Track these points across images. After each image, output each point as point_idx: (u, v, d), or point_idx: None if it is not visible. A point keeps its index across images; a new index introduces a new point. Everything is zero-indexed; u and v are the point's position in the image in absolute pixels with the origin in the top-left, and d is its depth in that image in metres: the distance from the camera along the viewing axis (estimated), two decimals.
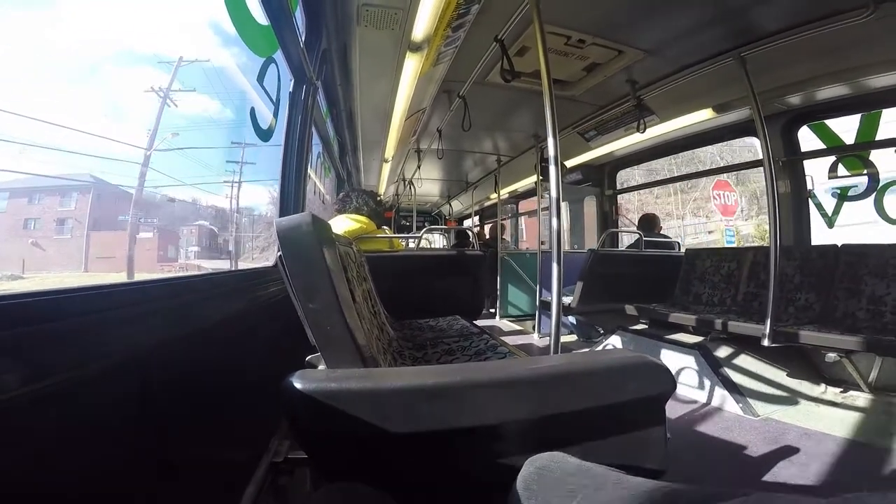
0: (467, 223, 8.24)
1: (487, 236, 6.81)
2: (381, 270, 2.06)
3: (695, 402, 2.29)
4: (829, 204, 2.87)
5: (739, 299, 2.88)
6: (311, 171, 2.29)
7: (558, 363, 0.87)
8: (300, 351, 0.95)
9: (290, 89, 1.80)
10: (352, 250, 1.37)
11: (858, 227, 2.71)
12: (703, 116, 3.11)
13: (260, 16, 1.44)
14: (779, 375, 2.34)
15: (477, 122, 3.08)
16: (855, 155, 2.68)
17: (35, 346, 0.40)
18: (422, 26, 1.95)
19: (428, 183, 6.37)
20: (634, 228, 3.94)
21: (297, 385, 0.63)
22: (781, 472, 1.57)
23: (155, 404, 0.59)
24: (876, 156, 2.63)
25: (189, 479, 0.69)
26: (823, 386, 2.35)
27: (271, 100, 1.67)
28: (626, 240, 4.55)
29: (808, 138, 2.88)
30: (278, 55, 1.63)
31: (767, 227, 2.21)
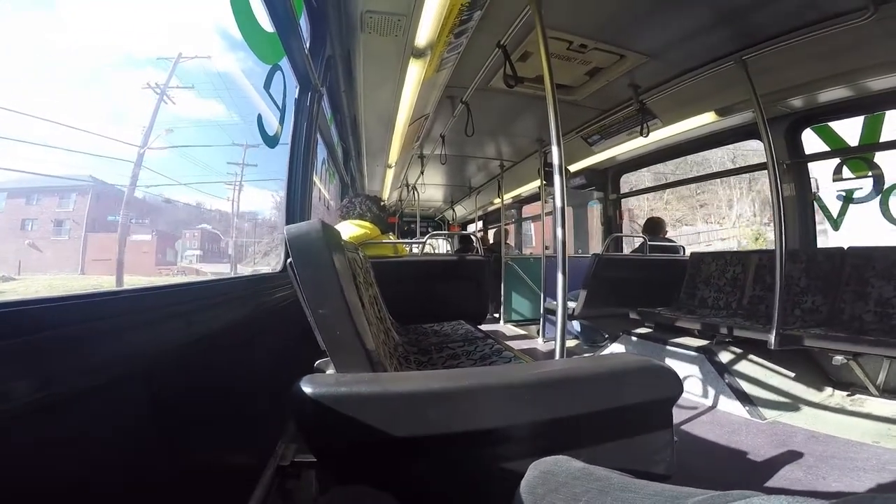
0: (471, 228, 8.25)
1: (491, 241, 6.82)
2: (385, 276, 2.07)
3: (701, 405, 2.28)
4: (834, 207, 2.86)
5: (745, 303, 2.86)
6: (315, 178, 2.31)
7: (564, 367, 0.88)
8: (306, 356, 0.96)
9: (296, 96, 1.82)
10: (358, 256, 1.38)
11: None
12: (706, 120, 3.11)
13: (266, 23, 1.46)
14: (786, 379, 2.32)
15: (480, 128, 3.09)
16: (860, 157, 2.67)
17: (41, 354, 0.40)
18: (425, 33, 1.97)
19: (431, 188, 6.39)
20: (639, 233, 3.93)
21: (307, 390, 0.63)
22: (789, 476, 1.56)
23: (163, 409, 0.59)
24: (881, 158, 2.62)
25: (198, 483, 0.69)
26: (831, 389, 2.34)
27: (277, 106, 1.69)
28: (631, 244, 4.54)
29: (810, 141, 2.88)
30: (284, 62, 1.65)
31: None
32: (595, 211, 4.91)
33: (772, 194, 2.21)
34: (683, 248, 3.81)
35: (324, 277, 0.74)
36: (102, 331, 0.50)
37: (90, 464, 0.44)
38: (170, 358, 0.61)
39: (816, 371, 2.41)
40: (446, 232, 8.43)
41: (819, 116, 2.76)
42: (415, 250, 2.97)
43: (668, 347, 2.69)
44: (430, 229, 7.53)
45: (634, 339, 3.02)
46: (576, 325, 3.69)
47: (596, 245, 5.00)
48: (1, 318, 0.39)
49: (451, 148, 3.92)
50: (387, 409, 0.65)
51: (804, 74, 2.42)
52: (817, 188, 2.92)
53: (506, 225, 5.53)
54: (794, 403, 2.18)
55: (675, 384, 0.81)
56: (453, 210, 7.98)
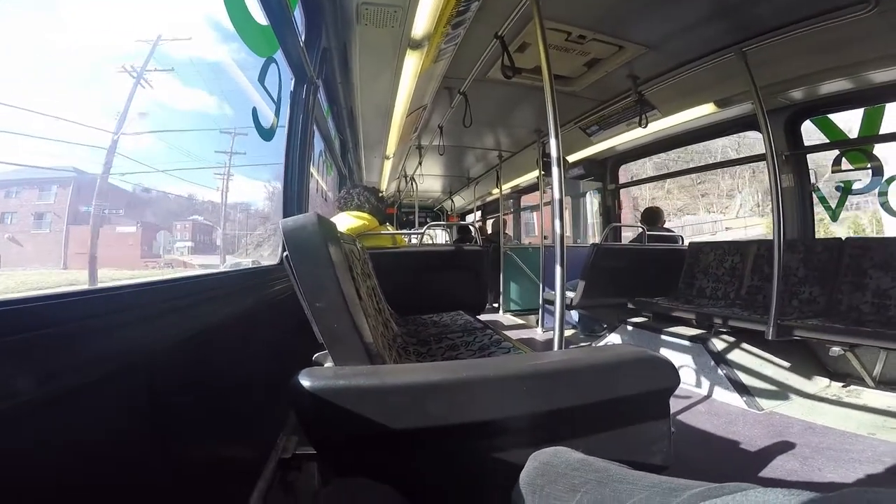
0: (469, 218, 8.24)
1: (489, 231, 6.81)
2: (384, 267, 2.07)
3: (698, 396, 2.30)
4: (832, 198, 2.87)
5: (743, 293, 2.87)
6: (313, 170, 2.30)
7: (562, 359, 0.88)
8: (306, 348, 0.96)
9: (291, 88, 1.80)
10: (356, 247, 1.37)
11: None
12: (705, 111, 3.10)
13: (259, 16, 1.45)
14: (783, 369, 2.34)
15: (478, 119, 3.08)
16: (859, 149, 2.67)
17: (39, 351, 0.40)
18: (422, 24, 1.95)
19: (429, 179, 6.37)
20: (637, 223, 3.93)
21: (305, 383, 0.63)
22: (785, 467, 1.58)
23: (164, 404, 0.59)
24: (881, 150, 2.62)
25: (201, 477, 0.70)
26: (827, 380, 2.35)
27: (273, 99, 1.67)
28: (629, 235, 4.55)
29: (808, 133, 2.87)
30: (278, 55, 1.63)
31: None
32: (593, 201, 4.92)
33: (770, 185, 2.21)
34: (682, 237, 3.81)
35: (320, 270, 0.74)
36: (102, 327, 0.50)
37: (92, 460, 0.44)
38: (170, 353, 0.61)
39: (813, 362, 2.43)
40: (444, 222, 8.42)
41: (819, 108, 2.75)
42: (413, 241, 2.97)
43: (666, 337, 2.70)
44: (428, 220, 7.51)
45: (632, 329, 3.03)
46: (574, 315, 3.71)
47: (594, 236, 5.01)
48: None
49: (449, 139, 3.91)
50: (385, 401, 0.65)
51: (804, 66, 2.41)
52: (816, 179, 2.92)
53: (504, 215, 5.53)
54: (790, 394, 2.20)
55: (672, 375, 0.82)
56: (452, 200, 7.98)
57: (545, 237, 4.18)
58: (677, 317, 2.78)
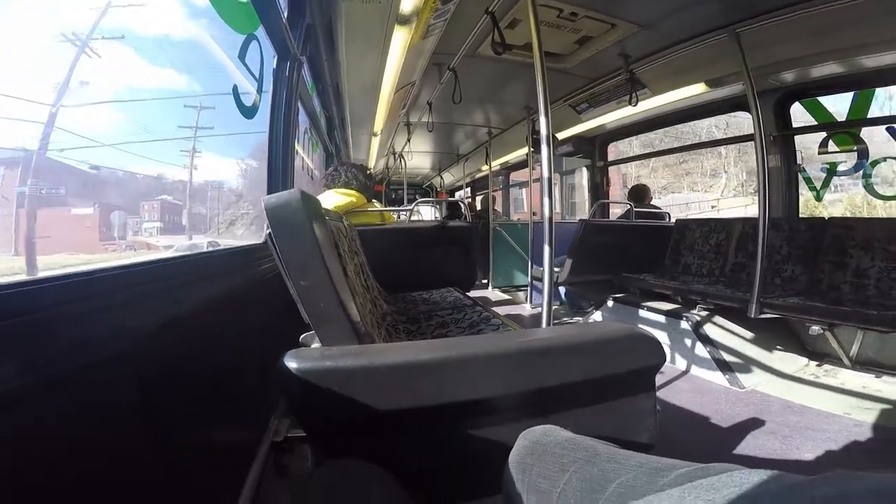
0: (459, 195, 8.20)
1: (479, 207, 6.80)
2: (372, 244, 2.06)
3: (682, 373, 2.35)
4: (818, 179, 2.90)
5: (727, 270, 2.92)
6: (298, 147, 2.25)
7: (551, 336, 0.89)
8: (295, 329, 0.95)
9: (274, 66, 1.75)
10: (342, 225, 1.35)
11: None
12: (695, 91, 3.08)
13: None
14: (764, 348, 2.39)
15: (468, 95, 3.03)
16: (846, 132, 2.69)
17: (13, 342, 0.38)
18: None
19: (418, 156, 6.31)
20: (625, 200, 3.96)
21: (292, 365, 0.62)
22: (765, 445, 1.62)
23: (152, 391, 0.58)
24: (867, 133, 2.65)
25: (193, 464, 0.69)
26: (806, 359, 2.41)
27: (254, 77, 1.62)
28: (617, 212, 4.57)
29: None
30: (260, 32, 1.58)
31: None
32: (581, 178, 4.92)
33: (758, 165, 2.22)
34: (669, 214, 3.84)
35: (304, 248, 0.72)
36: (80, 312, 0.48)
37: (79, 451, 0.43)
38: (155, 337, 0.60)
39: (794, 340, 2.49)
40: (434, 199, 8.37)
41: (809, 91, 2.76)
42: (402, 218, 2.95)
43: (651, 314, 2.75)
44: (417, 197, 7.46)
45: (618, 305, 3.07)
46: (561, 291, 3.75)
47: (582, 212, 5.02)
48: None
49: (438, 115, 3.85)
50: (374, 381, 0.65)
51: (797, 49, 2.40)
52: (802, 160, 2.94)
53: (494, 191, 5.51)
54: (771, 372, 2.25)
55: (658, 352, 0.83)
56: (441, 177, 7.92)
57: (534, 213, 4.18)
58: (663, 294, 2.82)
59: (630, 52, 2.82)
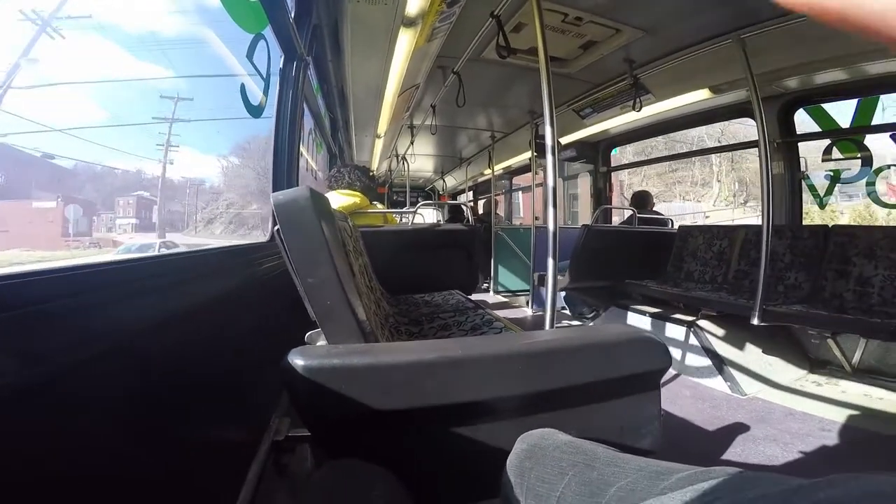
0: (461, 198, 8.22)
1: (481, 211, 6.79)
2: (375, 246, 2.06)
3: (684, 379, 2.35)
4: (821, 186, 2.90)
5: (730, 277, 2.91)
6: (302, 149, 2.25)
7: (554, 338, 0.88)
8: (298, 328, 0.95)
9: (281, 65, 1.76)
10: (347, 225, 1.35)
11: None
12: (699, 96, 3.09)
13: None
14: (766, 355, 2.39)
15: (471, 99, 3.04)
16: (850, 139, 2.69)
17: (13, 334, 0.38)
18: (416, 1, 1.89)
19: (421, 159, 6.32)
20: (626, 206, 3.96)
21: (298, 362, 0.62)
22: (766, 452, 1.62)
23: (153, 387, 0.57)
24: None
25: (193, 463, 0.68)
26: (808, 367, 2.41)
27: (261, 76, 1.63)
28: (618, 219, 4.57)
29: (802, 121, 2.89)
30: (268, 32, 1.59)
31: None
32: (584, 183, 4.92)
33: (761, 172, 2.22)
34: (672, 220, 3.84)
35: (313, 245, 0.72)
36: (81, 305, 0.47)
37: (78, 447, 0.42)
38: (156, 334, 0.59)
39: (796, 348, 2.49)
40: (436, 202, 8.37)
41: (813, 97, 2.76)
42: (405, 220, 2.95)
43: (654, 320, 2.74)
44: (419, 199, 7.48)
45: (620, 311, 3.07)
46: (562, 297, 3.74)
47: (584, 218, 5.02)
48: None
49: (441, 118, 3.86)
50: (379, 380, 0.65)
51: (802, 55, 2.40)
52: (806, 167, 2.94)
53: (496, 195, 5.52)
54: (773, 380, 2.24)
55: (663, 356, 0.82)
56: (443, 181, 7.93)
57: (536, 218, 4.18)
58: (665, 300, 2.81)
59: (635, 57, 2.82)
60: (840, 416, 1.88)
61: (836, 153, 2.74)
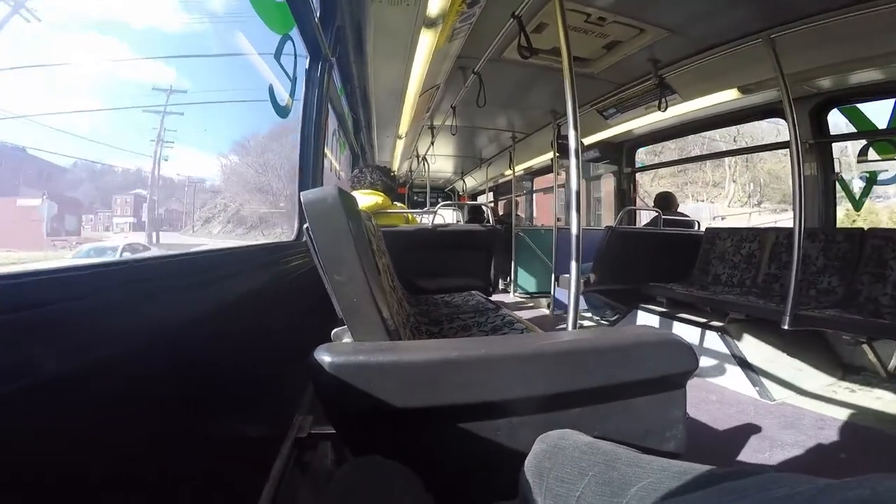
0: (481, 199, 8.21)
1: (501, 212, 6.77)
2: (396, 246, 2.07)
3: (710, 384, 2.29)
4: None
5: (760, 281, 2.83)
6: (326, 150, 2.29)
7: (579, 338, 0.87)
8: (322, 326, 0.96)
9: (307, 66, 1.79)
10: (371, 224, 1.37)
11: None
12: (728, 97, 3.01)
13: None
14: (797, 360, 2.31)
15: (492, 99, 3.03)
16: (887, 140, 2.59)
17: (54, 328, 0.39)
18: (437, 2, 1.90)
19: (441, 159, 6.34)
20: (651, 206, 3.88)
21: (325, 358, 0.63)
22: (795, 458, 1.57)
23: (183, 385, 0.59)
24: None
25: (220, 458, 0.70)
26: (842, 372, 2.33)
27: (288, 76, 1.66)
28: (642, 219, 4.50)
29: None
30: (293, 34, 1.62)
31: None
32: (608, 184, 4.85)
33: (793, 173, 2.15)
34: (698, 222, 3.75)
35: (340, 243, 0.73)
36: (107, 304, 0.48)
37: (104, 444, 0.42)
38: (183, 332, 0.60)
39: (828, 353, 2.40)
40: (457, 202, 8.38)
41: (847, 98, 2.67)
42: (425, 220, 2.96)
43: (679, 324, 2.68)
44: (439, 200, 7.53)
45: (645, 314, 3.01)
46: (584, 299, 3.70)
47: (608, 219, 4.95)
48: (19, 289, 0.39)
49: (462, 119, 3.87)
50: (403, 377, 0.65)
51: (834, 55, 2.32)
52: (840, 169, 2.84)
53: (517, 196, 5.49)
54: (803, 385, 2.18)
55: (690, 358, 0.80)
56: (463, 181, 7.94)
57: (558, 219, 4.15)
58: (691, 303, 2.75)
59: (659, 56, 2.78)
60: (874, 422, 1.81)
61: (872, 154, 2.64)
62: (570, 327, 1.41)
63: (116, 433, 0.44)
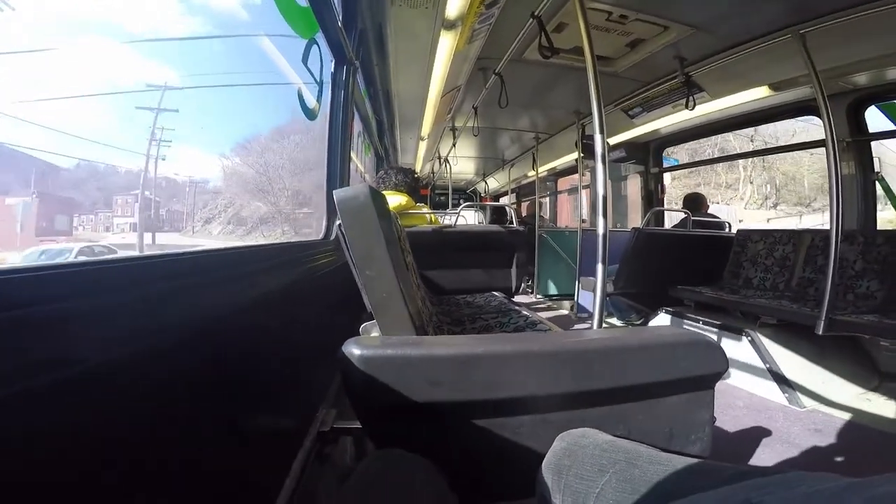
0: (503, 201, 8.18)
1: (524, 213, 6.74)
2: (419, 246, 2.09)
3: (738, 389, 2.23)
4: None
5: (794, 284, 2.73)
6: (352, 154, 2.34)
7: (607, 337, 0.86)
8: (349, 322, 0.98)
9: (332, 69, 1.84)
10: (397, 224, 1.39)
11: None
12: (758, 94, 2.93)
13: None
14: (829, 367, 2.22)
15: (514, 100, 3.02)
16: None
17: (90, 322, 0.41)
18: (455, 4, 1.92)
19: (463, 161, 6.35)
20: (681, 208, 3.79)
21: (355, 351, 0.64)
22: (825, 467, 1.52)
23: (210, 378, 0.60)
24: None
25: (244, 450, 0.72)
26: (878, 380, 2.23)
27: (315, 80, 1.71)
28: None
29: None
30: (319, 38, 1.66)
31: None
32: (633, 185, 4.77)
33: (829, 173, 2.07)
34: (729, 224, 3.65)
35: (371, 239, 0.75)
36: (149, 295, 0.50)
37: (134, 432, 0.44)
38: (220, 323, 0.63)
39: (864, 360, 2.30)
40: (479, 203, 8.37)
41: (886, 94, 2.56)
42: (447, 221, 2.97)
43: (709, 328, 2.62)
44: (461, 201, 7.54)
45: (672, 317, 2.95)
46: (609, 302, 3.64)
47: (634, 220, 4.87)
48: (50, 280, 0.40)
49: (483, 120, 3.86)
50: (429, 371, 0.66)
51: (870, 50, 2.23)
52: (880, 167, 2.73)
53: (540, 198, 5.46)
54: (836, 393, 2.09)
55: (720, 359, 0.79)
56: (485, 182, 7.93)
57: (583, 221, 4.10)
58: (720, 307, 2.68)
59: (685, 54, 2.72)
60: None
61: None
62: (595, 328, 1.40)
63: (149, 425, 0.46)
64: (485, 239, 2.67)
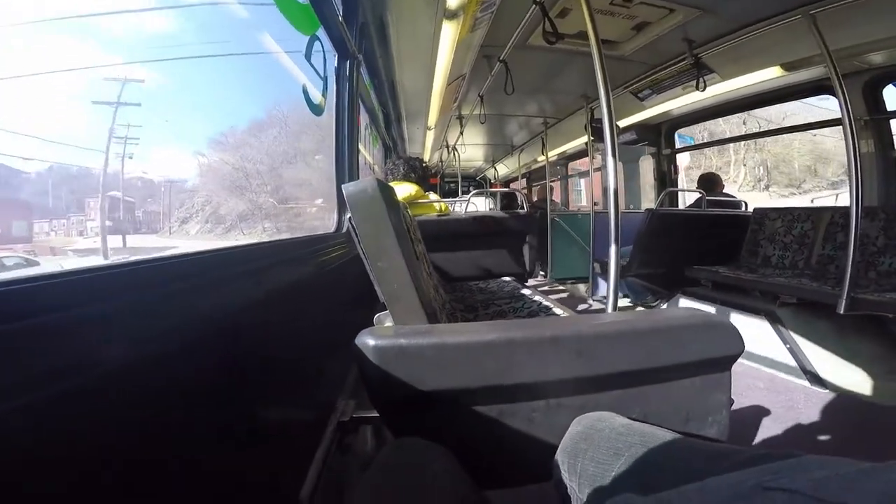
0: (514, 186, 8.13)
1: (535, 198, 6.70)
2: (430, 234, 2.09)
3: (758, 370, 2.21)
4: None
5: (813, 262, 2.68)
6: (360, 146, 2.35)
7: (621, 320, 0.86)
8: (363, 314, 0.99)
9: (335, 64, 1.83)
10: (407, 214, 1.39)
11: None
12: (771, 74, 2.87)
13: None
14: (851, 347, 2.18)
15: (520, 86, 2.99)
16: None
17: (114, 320, 0.42)
18: None
19: (471, 148, 6.31)
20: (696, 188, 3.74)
21: (369, 342, 0.65)
22: (846, 449, 1.50)
23: (233, 372, 0.62)
24: None
25: (267, 442, 0.74)
26: None
27: (319, 76, 1.71)
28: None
29: None
30: (321, 34, 1.66)
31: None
32: (646, 166, 4.71)
33: (848, 151, 2.02)
34: (745, 203, 3.58)
35: (381, 232, 0.76)
36: (171, 293, 0.52)
37: (160, 424, 0.45)
38: (239, 318, 0.64)
39: (887, 340, 2.25)
40: (488, 189, 8.35)
41: None
42: (457, 209, 2.97)
43: (726, 308, 2.58)
44: (471, 188, 7.52)
45: (689, 298, 2.92)
46: (624, 284, 3.61)
47: (647, 202, 4.81)
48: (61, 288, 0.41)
49: (490, 107, 3.83)
50: (443, 359, 0.66)
51: (885, 29, 2.18)
52: None
53: (551, 181, 5.42)
54: (858, 373, 2.05)
55: (735, 340, 0.78)
56: (495, 169, 7.88)
57: (595, 203, 4.06)
58: (738, 287, 2.65)
59: (693, 36, 2.67)
60: None
61: None
62: (609, 310, 1.39)
63: (173, 418, 0.48)
64: (496, 225, 2.66)
